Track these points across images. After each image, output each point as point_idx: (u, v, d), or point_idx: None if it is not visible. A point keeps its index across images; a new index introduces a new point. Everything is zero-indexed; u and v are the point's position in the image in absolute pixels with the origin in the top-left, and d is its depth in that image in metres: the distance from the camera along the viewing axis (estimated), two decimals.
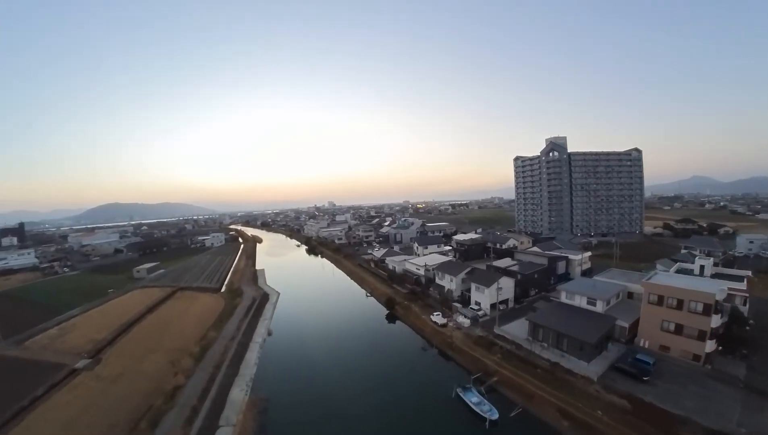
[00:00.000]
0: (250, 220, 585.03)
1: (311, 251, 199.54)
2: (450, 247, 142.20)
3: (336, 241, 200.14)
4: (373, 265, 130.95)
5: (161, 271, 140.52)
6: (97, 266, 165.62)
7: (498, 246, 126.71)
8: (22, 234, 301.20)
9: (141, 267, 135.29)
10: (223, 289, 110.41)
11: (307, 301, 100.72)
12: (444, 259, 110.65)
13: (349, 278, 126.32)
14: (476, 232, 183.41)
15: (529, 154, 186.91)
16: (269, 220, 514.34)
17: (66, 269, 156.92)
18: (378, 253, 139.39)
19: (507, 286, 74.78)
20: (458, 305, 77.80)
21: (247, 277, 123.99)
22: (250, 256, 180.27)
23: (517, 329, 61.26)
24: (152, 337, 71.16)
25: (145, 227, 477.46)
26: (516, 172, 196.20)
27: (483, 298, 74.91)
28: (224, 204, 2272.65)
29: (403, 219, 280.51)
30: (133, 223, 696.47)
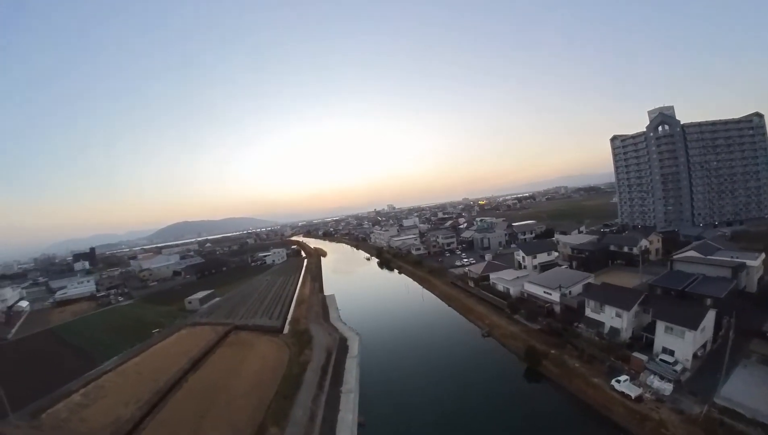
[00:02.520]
0: (311, 229, 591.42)
1: (385, 265, 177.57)
2: (557, 253, 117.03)
3: (413, 252, 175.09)
4: (472, 283, 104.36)
5: (216, 299, 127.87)
6: (152, 293, 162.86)
7: (629, 250, 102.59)
8: (93, 258, 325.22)
9: (193, 297, 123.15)
10: (286, 329, 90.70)
11: (400, 349, 75.16)
12: (582, 276, 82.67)
13: (445, 305, 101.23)
14: (579, 231, 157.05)
15: (630, 133, 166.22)
16: (330, 228, 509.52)
17: (120, 299, 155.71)
18: (475, 267, 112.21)
19: (708, 322, 53.06)
20: (642, 357, 52.33)
21: (315, 308, 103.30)
22: (315, 276, 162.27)
23: (746, 394, 40.36)
24: (190, 419, 51.78)
25: (209, 244, 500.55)
26: (615, 155, 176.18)
27: (682, 344, 50.75)
28: (284, 215, 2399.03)
29: (480, 219, 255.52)
30: (199, 239, 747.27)
